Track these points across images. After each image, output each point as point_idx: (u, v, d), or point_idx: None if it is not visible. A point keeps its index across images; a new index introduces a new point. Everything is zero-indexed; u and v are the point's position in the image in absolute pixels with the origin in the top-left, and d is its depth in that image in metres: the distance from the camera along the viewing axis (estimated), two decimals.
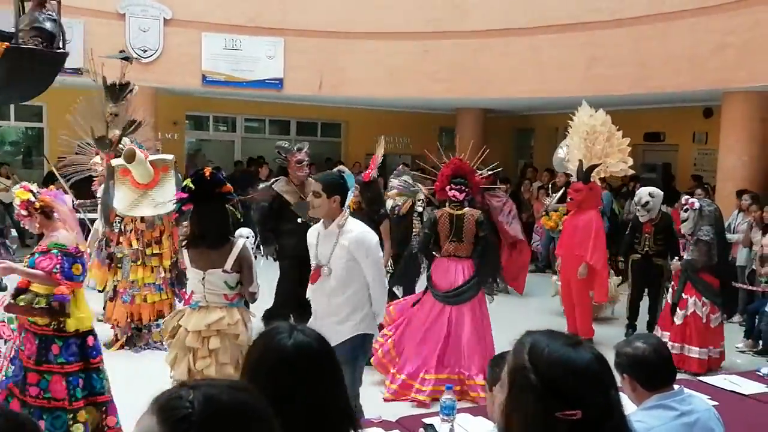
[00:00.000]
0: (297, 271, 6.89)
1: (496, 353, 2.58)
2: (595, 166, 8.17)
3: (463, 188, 6.04)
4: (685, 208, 7.05)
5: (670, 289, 7.21)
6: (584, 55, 11.68)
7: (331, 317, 4.28)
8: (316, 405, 1.62)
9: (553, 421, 1.49)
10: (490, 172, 10.38)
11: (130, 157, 6.65)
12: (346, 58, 12.89)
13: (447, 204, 6.12)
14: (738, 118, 10.57)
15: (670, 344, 6.86)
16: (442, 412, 3.26)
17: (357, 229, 4.24)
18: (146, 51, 12.43)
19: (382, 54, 12.84)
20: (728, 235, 8.97)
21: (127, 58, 8.06)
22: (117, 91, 7.61)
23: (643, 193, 7.94)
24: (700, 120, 13.60)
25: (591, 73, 11.63)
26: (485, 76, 12.62)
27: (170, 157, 7.26)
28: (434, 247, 6.14)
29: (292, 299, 6.94)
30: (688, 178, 12.95)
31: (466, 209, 6.07)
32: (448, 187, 6.08)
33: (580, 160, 8.13)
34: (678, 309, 6.98)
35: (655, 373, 2.74)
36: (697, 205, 7.00)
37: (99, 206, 7.36)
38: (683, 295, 6.96)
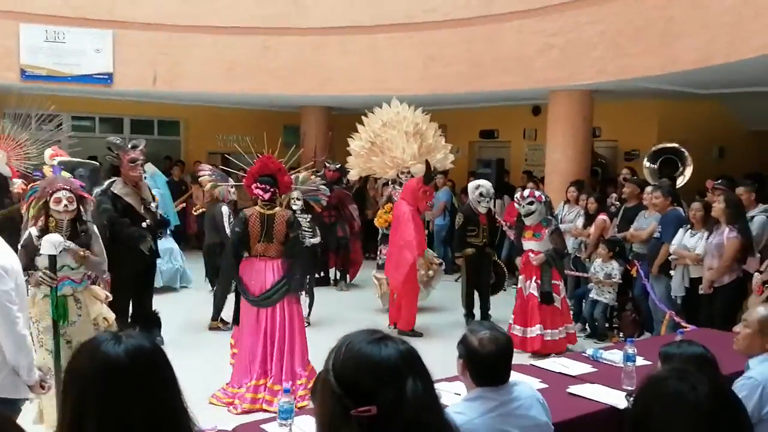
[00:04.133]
0: (136, 278, 6.87)
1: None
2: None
3: (269, 187, 5.93)
4: (530, 201, 7.42)
5: (527, 282, 7.50)
6: (421, 55, 11.95)
7: None
8: (157, 413, 1.50)
9: (349, 420, 1.49)
10: (335, 167, 10.58)
11: None
12: (182, 52, 12.41)
13: (258, 203, 6.01)
14: (562, 115, 11.22)
15: (549, 332, 7.26)
16: (279, 416, 3.17)
17: None
18: None
19: (219, 48, 12.47)
20: (561, 226, 9.55)
21: None
22: None
23: (483, 184, 8.49)
24: (530, 117, 14.35)
25: (428, 72, 11.91)
26: (325, 73, 12.59)
27: None
28: (243, 247, 5.99)
29: (127, 309, 6.84)
30: (521, 172, 13.63)
31: (277, 209, 6.01)
32: (254, 185, 5.96)
33: (427, 160, 8.40)
34: (555, 295, 7.38)
35: (488, 373, 2.76)
36: (543, 197, 7.47)
37: None
38: (554, 281, 7.39)
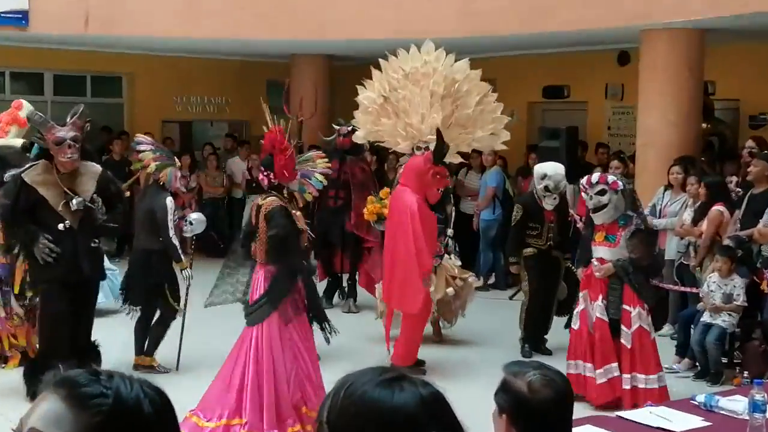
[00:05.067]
0: (66, 299, 7.06)
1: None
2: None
3: (264, 170, 6.39)
4: (600, 188, 7.29)
5: (593, 303, 7.41)
6: None
7: None
8: None
9: None
10: (348, 129, 10.58)
11: None
12: None
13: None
14: (660, 64, 11.10)
15: (625, 377, 7.17)
16: None
17: None
18: None
19: None
20: (655, 221, 9.47)
21: None
22: None
23: (553, 174, 8.41)
24: (614, 68, 14.23)
25: (469, 6, 11.86)
26: (324, 11, 12.61)
27: None
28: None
29: (64, 340, 7.03)
30: (600, 145, 13.51)
31: (268, 199, 6.37)
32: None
33: (438, 129, 8.25)
34: (623, 327, 7.24)
35: (543, 429, 2.75)
36: (620, 184, 7.30)
37: None
38: (624, 306, 7.23)
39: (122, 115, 16.76)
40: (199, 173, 14.52)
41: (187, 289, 8.23)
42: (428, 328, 9.02)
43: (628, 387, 7.20)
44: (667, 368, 8.14)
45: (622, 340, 7.25)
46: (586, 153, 13.67)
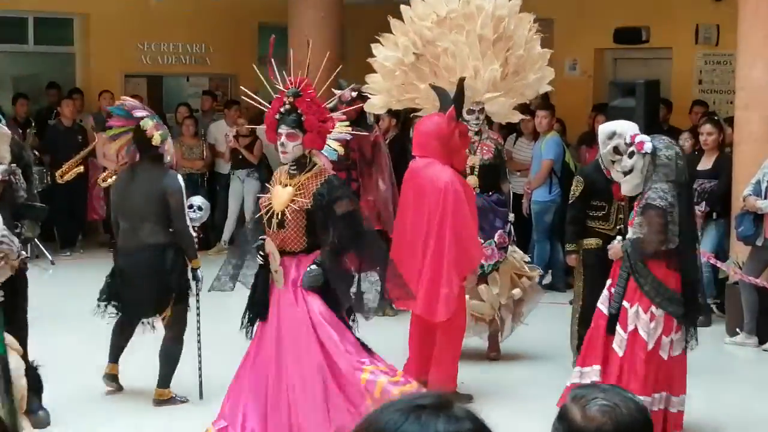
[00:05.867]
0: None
1: None
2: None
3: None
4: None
5: (606, 291, 7.62)
6: None
7: None
8: None
9: None
10: (351, 95, 10.60)
11: None
12: None
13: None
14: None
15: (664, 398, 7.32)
16: None
17: None
18: None
19: None
20: (759, 202, 9.58)
21: None
22: None
23: (623, 131, 8.23)
24: (707, 5, 14.27)
25: None
26: None
27: None
28: None
29: None
30: (689, 103, 13.58)
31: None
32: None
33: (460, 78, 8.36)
34: (619, 327, 7.36)
35: None
36: (648, 146, 7.35)
37: None
38: (623, 302, 7.37)
39: (73, 68, 16.87)
40: (172, 142, 14.56)
41: (198, 294, 8.30)
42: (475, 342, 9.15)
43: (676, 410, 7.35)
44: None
45: (614, 345, 7.34)
46: (670, 115, 13.73)
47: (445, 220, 7.86)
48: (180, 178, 8.24)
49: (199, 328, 8.20)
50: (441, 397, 1.74)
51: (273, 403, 6.63)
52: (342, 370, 6.49)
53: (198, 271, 8.17)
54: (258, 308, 6.84)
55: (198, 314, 8.20)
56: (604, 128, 8.65)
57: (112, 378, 8.34)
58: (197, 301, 8.23)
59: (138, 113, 8.21)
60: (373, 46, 9.11)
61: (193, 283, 8.20)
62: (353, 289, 6.86)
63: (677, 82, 14.89)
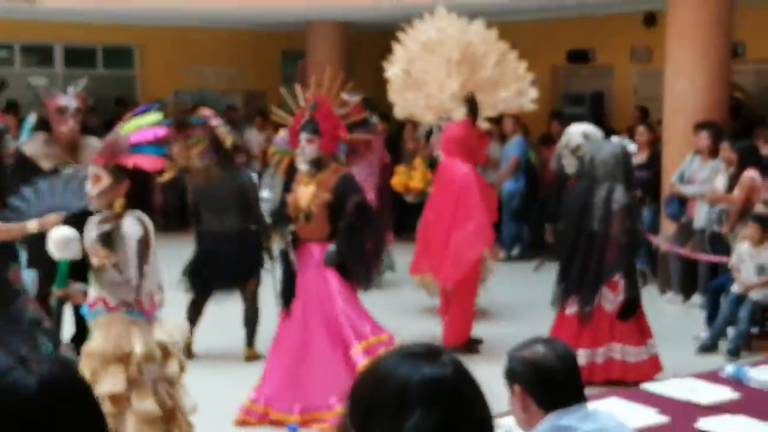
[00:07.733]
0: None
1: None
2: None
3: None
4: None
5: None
6: None
7: None
8: None
9: None
10: (354, 98, 10.50)
11: None
12: None
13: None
14: (690, 25, 11.01)
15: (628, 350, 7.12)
16: None
17: None
18: None
19: None
20: (685, 188, 9.56)
21: None
22: None
23: (574, 133, 8.04)
24: (640, 31, 14.16)
25: None
26: None
27: None
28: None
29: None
30: (629, 110, 13.49)
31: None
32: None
33: (471, 93, 8.33)
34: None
35: (557, 387, 2.86)
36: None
37: None
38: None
39: (135, 87, 16.85)
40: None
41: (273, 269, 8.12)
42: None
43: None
44: (695, 338, 8.25)
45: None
46: (610, 119, 13.67)
47: (460, 203, 8.08)
48: (254, 174, 8.30)
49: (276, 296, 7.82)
50: (431, 347, 1.71)
51: (297, 357, 6.54)
52: (347, 338, 6.49)
53: (272, 249, 8.09)
54: (289, 289, 6.83)
55: (274, 286, 7.80)
56: (574, 131, 8.33)
57: (186, 348, 8.25)
58: (272, 276, 7.98)
59: (214, 122, 8.21)
60: (384, 64, 9.32)
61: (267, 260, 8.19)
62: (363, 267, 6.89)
63: (617, 93, 14.80)
